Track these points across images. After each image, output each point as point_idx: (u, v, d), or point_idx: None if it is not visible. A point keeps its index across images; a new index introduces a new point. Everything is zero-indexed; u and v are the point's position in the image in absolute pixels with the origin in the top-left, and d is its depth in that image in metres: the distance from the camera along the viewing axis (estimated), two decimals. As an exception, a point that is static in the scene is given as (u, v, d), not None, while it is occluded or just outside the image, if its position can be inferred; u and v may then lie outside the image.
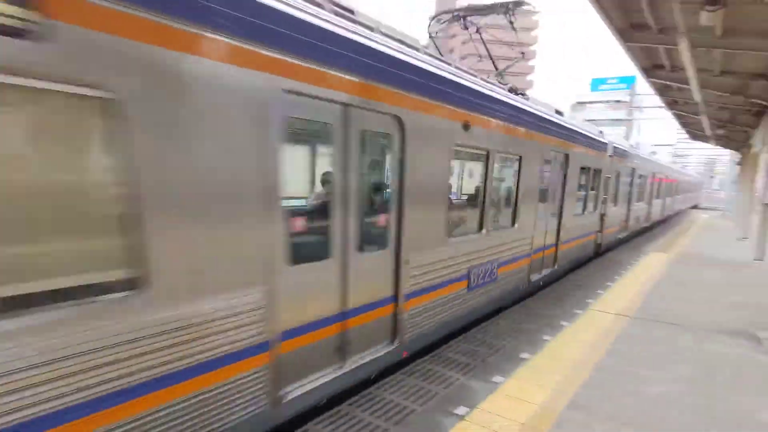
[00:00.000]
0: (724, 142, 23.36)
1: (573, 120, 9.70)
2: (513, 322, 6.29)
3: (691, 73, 9.59)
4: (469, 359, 4.96)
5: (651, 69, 11.40)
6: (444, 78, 4.76)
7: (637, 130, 59.16)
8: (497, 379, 4.45)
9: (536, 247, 7.57)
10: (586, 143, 9.52)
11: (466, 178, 6.65)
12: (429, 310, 4.93)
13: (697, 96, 11.90)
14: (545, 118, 7.39)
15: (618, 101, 65.25)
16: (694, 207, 44.00)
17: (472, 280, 5.72)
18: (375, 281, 4.23)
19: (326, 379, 3.69)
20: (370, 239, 4.15)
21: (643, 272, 9.62)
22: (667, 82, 12.13)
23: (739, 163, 23.71)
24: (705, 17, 5.75)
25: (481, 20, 7.34)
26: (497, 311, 6.79)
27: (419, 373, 4.58)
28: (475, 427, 3.56)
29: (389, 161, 4.36)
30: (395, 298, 4.46)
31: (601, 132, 11.14)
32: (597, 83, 59.64)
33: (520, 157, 6.59)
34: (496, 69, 7.59)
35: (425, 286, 4.84)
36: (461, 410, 3.83)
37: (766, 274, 10.15)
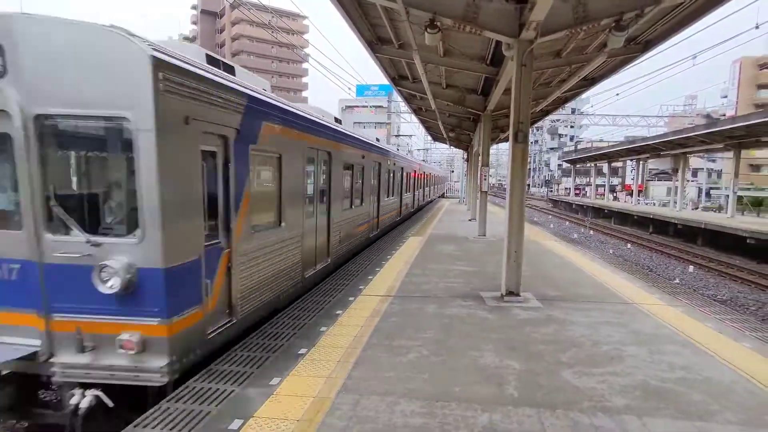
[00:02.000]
0: (456, 143, 29.01)
1: (382, 140, 16.53)
2: (292, 318, 6.35)
3: (425, 84, 11.45)
4: (245, 367, 4.74)
5: (398, 79, 13.16)
6: (346, 134, 10.04)
7: (396, 131, 68.17)
8: (275, 381, 4.39)
9: (371, 217, 13.25)
10: (388, 154, 15.63)
11: (347, 180, 10.71)
12: (339, 243, 9.70)
13: (432, 104, 14.33)
14: (374, 145, 13.48)
15: (380, 106, 73.82)
16: (442, 196, 53.51)
17: (347, 233, 10.63)
18: (322, 232, 8.69)
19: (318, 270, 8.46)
20: (321, 211, 8.66)
21: (404, 254, 11.11)
22: (412, 92, 14.23)
23: (466, 160, 29.80)
24: (428, 38, 6.91)
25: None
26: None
27: (188, 396, 4.15)
28: (249, 438, 3.42)
29: (327, 173, 8.86)
30: (328, 235, 8.97)
31: (397, 146, 16.75)
32: (362, 89, 66.26)
33: (363, 166, 11.76)
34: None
35: (339, 235, 9.69)
36: (235, 425, 3.62)
37: (486, 246, 13.05)
